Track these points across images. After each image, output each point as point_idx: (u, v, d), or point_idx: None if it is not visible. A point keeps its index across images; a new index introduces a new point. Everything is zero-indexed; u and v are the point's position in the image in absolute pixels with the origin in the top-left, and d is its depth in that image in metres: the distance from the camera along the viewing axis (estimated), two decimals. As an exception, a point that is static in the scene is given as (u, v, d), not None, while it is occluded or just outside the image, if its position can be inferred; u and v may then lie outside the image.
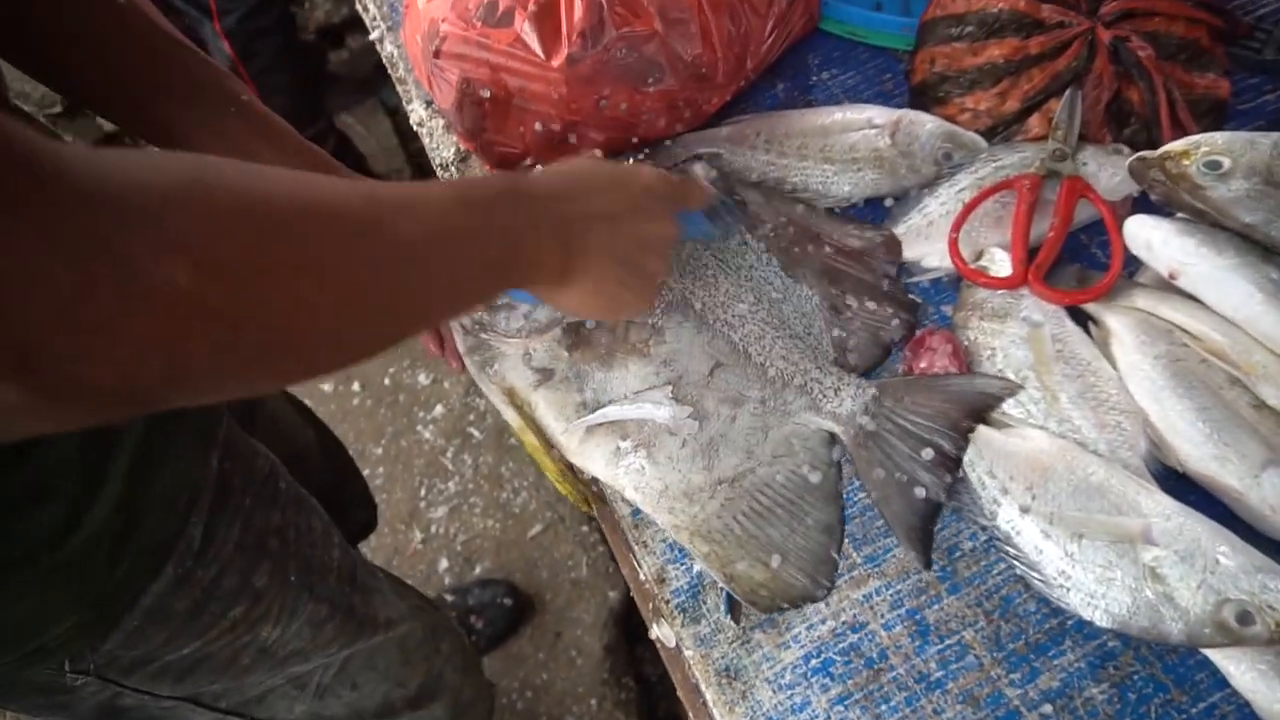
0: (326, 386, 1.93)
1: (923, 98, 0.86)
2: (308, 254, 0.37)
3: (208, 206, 0.33)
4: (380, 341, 0.44)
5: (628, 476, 0.67)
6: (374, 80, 2.20)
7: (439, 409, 1.85)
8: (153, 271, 0.31)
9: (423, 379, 1.90)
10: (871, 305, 0.74)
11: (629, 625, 1.62)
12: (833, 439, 0.69)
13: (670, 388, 0.68)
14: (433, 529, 1.72)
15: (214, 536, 0.65)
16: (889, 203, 0.82)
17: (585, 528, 1.68)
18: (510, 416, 0.71)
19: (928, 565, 0.63)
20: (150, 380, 0.32)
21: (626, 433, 0.68)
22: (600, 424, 0.69)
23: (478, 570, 1.67)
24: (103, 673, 0.63)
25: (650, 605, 0.67)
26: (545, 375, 0.71)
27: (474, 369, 0.73)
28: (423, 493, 1.76)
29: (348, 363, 0.43)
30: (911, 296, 0.75)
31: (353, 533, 1.20)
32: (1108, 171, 0.76)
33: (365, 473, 1.77)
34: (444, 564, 1.68)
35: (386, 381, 1.91)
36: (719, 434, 0.67)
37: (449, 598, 1.58)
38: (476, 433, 1.81)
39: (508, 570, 1.66)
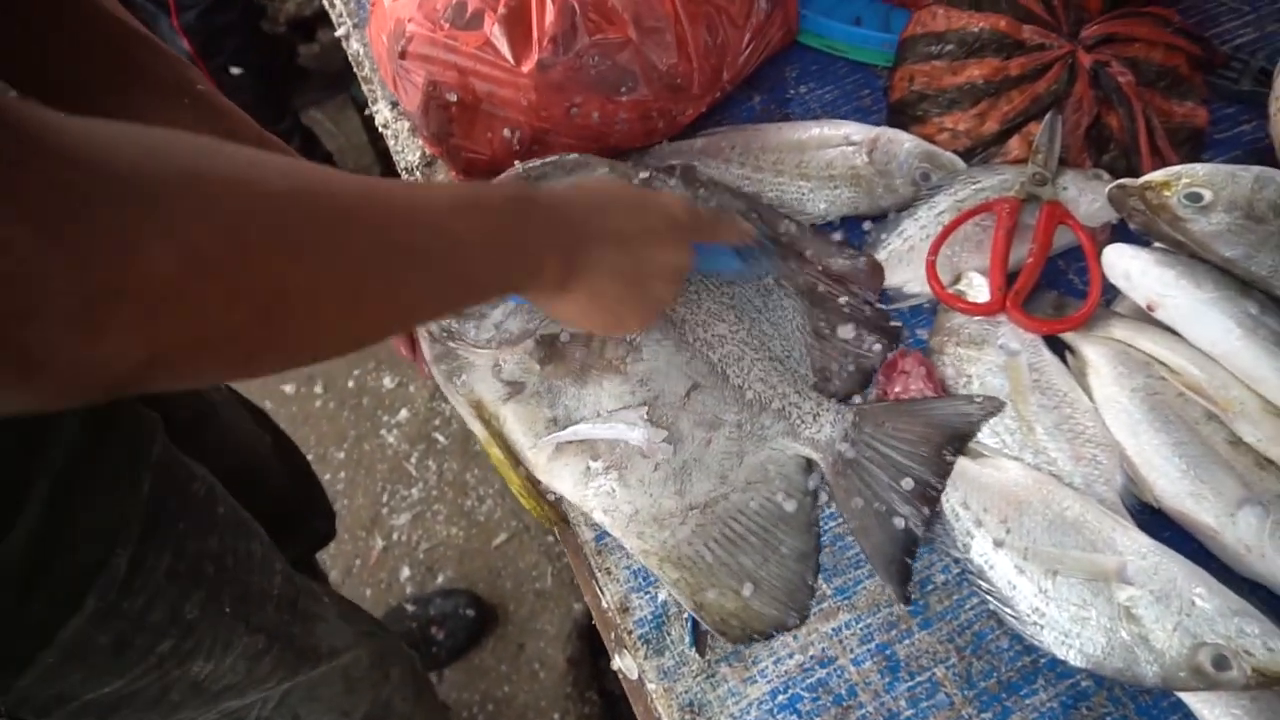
0: (288, 387, 1.88)
1: (901, 115, 0.84)
2: (303, 253, 0.37)
3: (204, 197, 0.33)
4: (367, 338, 0.44)
5: (597, 498, 0.65)
6: (345, 75, 2.14)
7: (404, 413, 1.81)
8: (141, 257, 0.30)
9: (388, 382, 1.85)
10: (854, 331, 0.72)
11: (593, 638, 1.59)
12: (809, 465, 0.67)
13: (645, 408, 0.66)
14: (395, 536, 1.68)
15: (142, 565, 0.61)
16: (867, 225, 0.81)
17: (550, 537, 1.65)
18: (477, 429, 0.68)
19: (906, 600, 0.62)
20: (129, 364, 0.32)
21: (597, 453, 0.66)
22: (570, 442, 0.66)
23: (440, 579, 1.63)
24: (14, 712, 0.59)
25: (613, 635, 0.65)
26: (515, 389, 0.68)
27: (441, 379, 0.70)
28: (385, 499, 1.72)
29: (332, 356, 0.42)
30: (894, 323, 0.74)
31: (311, 543, 1.16)
32: (1088, 197, 0.75)
33: (326, 477, 1.73)
34: (406, 572, 1.64)
35: (350, 384, 1.86)
36: (693, 458, 0.65)
37: (410, 607, 1.54)
38: (442, 438, 1.77)
39: (471, 580, 1.62)
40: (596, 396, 0.67)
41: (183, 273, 0.31)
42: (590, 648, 1.58)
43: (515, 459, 0.67)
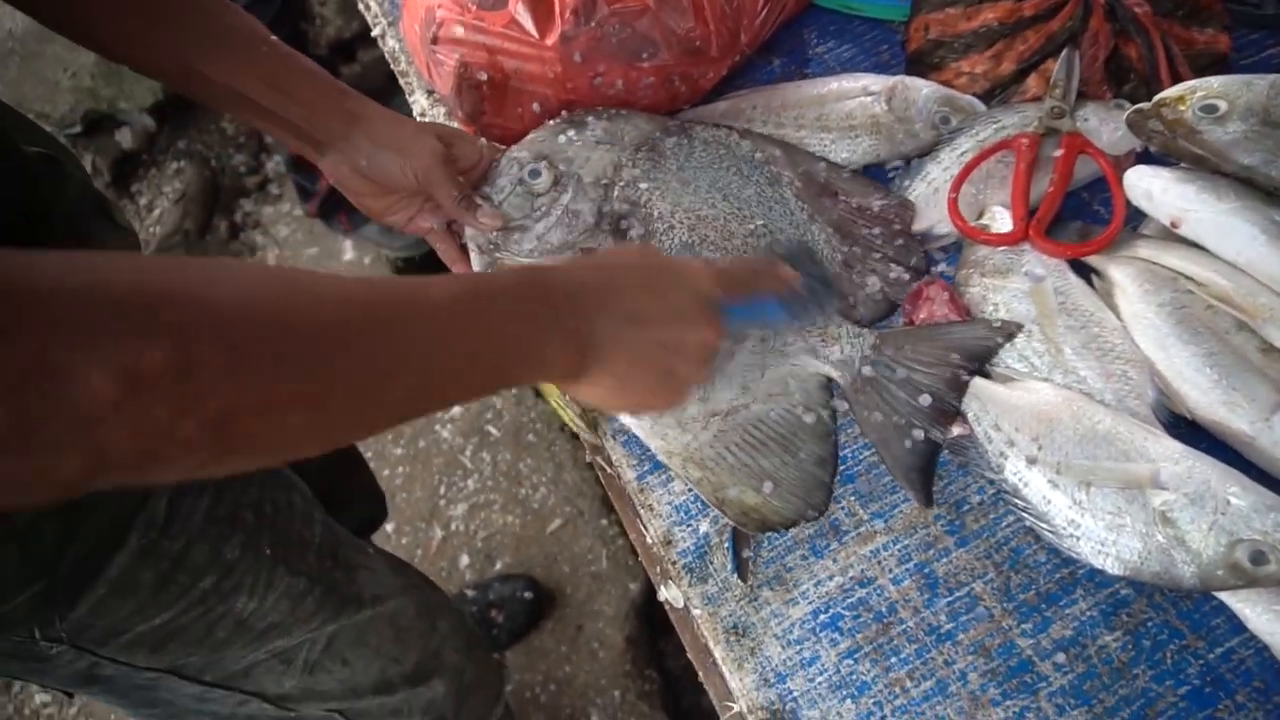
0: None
1: (919, 65, 0.86)
2: (253, 372, 0.36)
3: (145, 317, 0.33)
4: (347, 439, 0.43)
5: None
6: (385, 91, 2.23)
7: (457, 409, 1.86)
8: (72, 383, 0.30)
9: (440, 380, 1.91)
10: (882, 263, 0.74)
11: (651, 618, 1.61)
12: (830, 384, 0.69)
13: None
14: (453, 526, 1.73)
15: (179, 509, 0.65)
16: (891, 172, 0.82)
17: (604, 521, 1.68)
18: None
19: (928, 503, 0.63)
20: (71, 476, 0.32)
21: None
22: None
23: (498, 565, 1.67)
24: (75, 641, 0.63)
25: (658, 568, 0.68)
26: None
27: None
28: (442, 490, 1.77)
29: (312, 453, 0.41)
30: (920, 256, 0.75)
31: (359, 526, 1.20)
32: (1109, 127, 0.76)
33: (385, 473, 1.79)
34: (465, 560, 1.68)
35: (404, 384, 1.92)
36: (716, 367, 0.68)
37: (470, 593, 1.58)
38: (494, 430, 1.82)
39: (528, 565, 1.66)
40: None
41: (122, 395, 0.31)
42: (648, 628, 1.61)
43: None
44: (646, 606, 1.62)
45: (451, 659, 0.95)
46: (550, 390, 0.71)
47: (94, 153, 2.17)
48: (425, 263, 2.01)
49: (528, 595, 1.57)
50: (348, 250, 2.13)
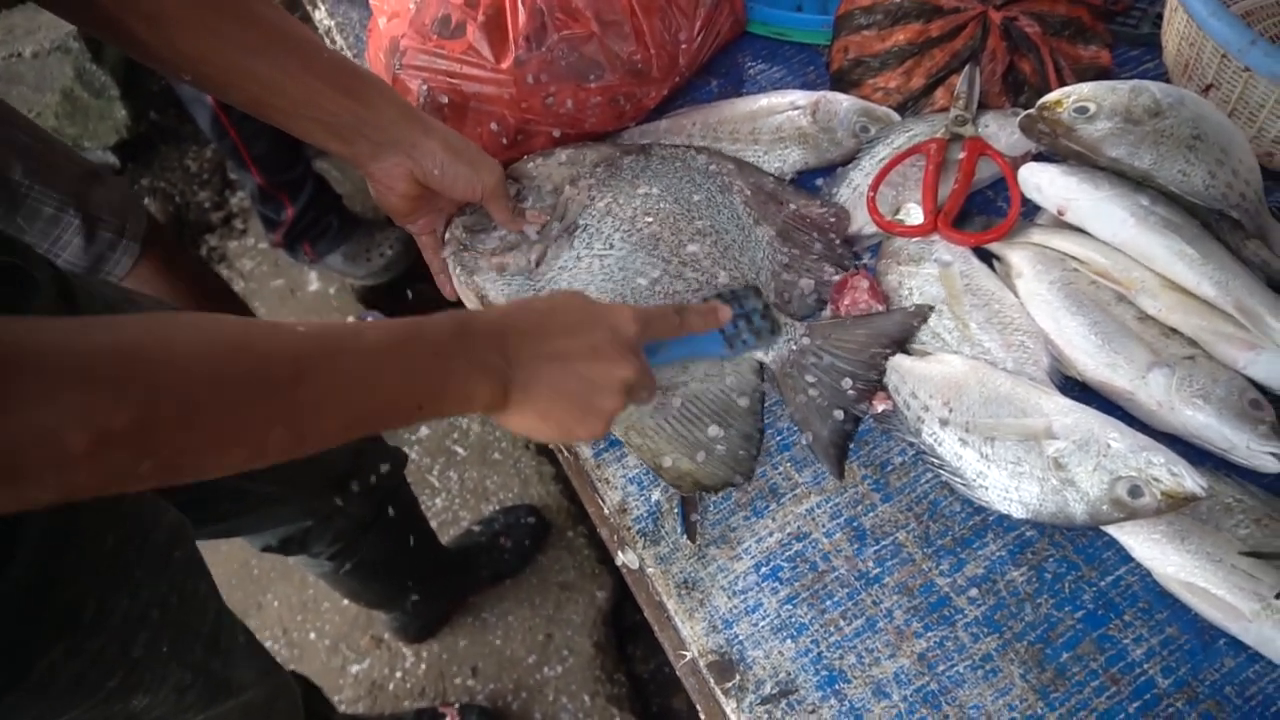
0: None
1: (841, 82, 0.95)
2: (206, 419, 0.43)
3: (114, 382, 0.39)
4: (281, 459, 0.49)
5: None
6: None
7: (423, 430, 1.91)
8: (52, 445, 0.37)
9: (406, 403, 1.95)
10: (816, 264, 0.82)
11: (619, 625, 1.66)
12: (761, 368, 0.77)
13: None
14: (422, 544, 1.76)
15: (103, 608, 0.66)
16: (819, 181, 0.91)
17: (570, 533, 1.73)
18: None
19: (840, 475, 0.72)
20: (36, 502, 0.38)
21: None
22: None
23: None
24: None
25: (615, 536, 0.74)
26: (512, 283, 0.81)
27: (458, 281, 0.83)
28: (411, 510, 1.81)
29: (243, 469, 0.47)
30: (850, 257, 0.84)
31: (386, 481, 1.21)
32: (1007, 132, 0.85)
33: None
34: (435, 576, 1.72)
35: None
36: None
37: (476, 527, 1.69)
38: (460, 450, 1.87)
39: (497, 579, 1.70)
40: (572, 287, 0.79)
41: (93, 448, 0.38)
42: (616, 634, 1.65)
43: None
44: (614, 614, 1.67)
45: None
46: None
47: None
48: (387, 290, 2.07)
49: (530, 520, 1.68)
50: (313, 281, 2.18)
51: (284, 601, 1.75)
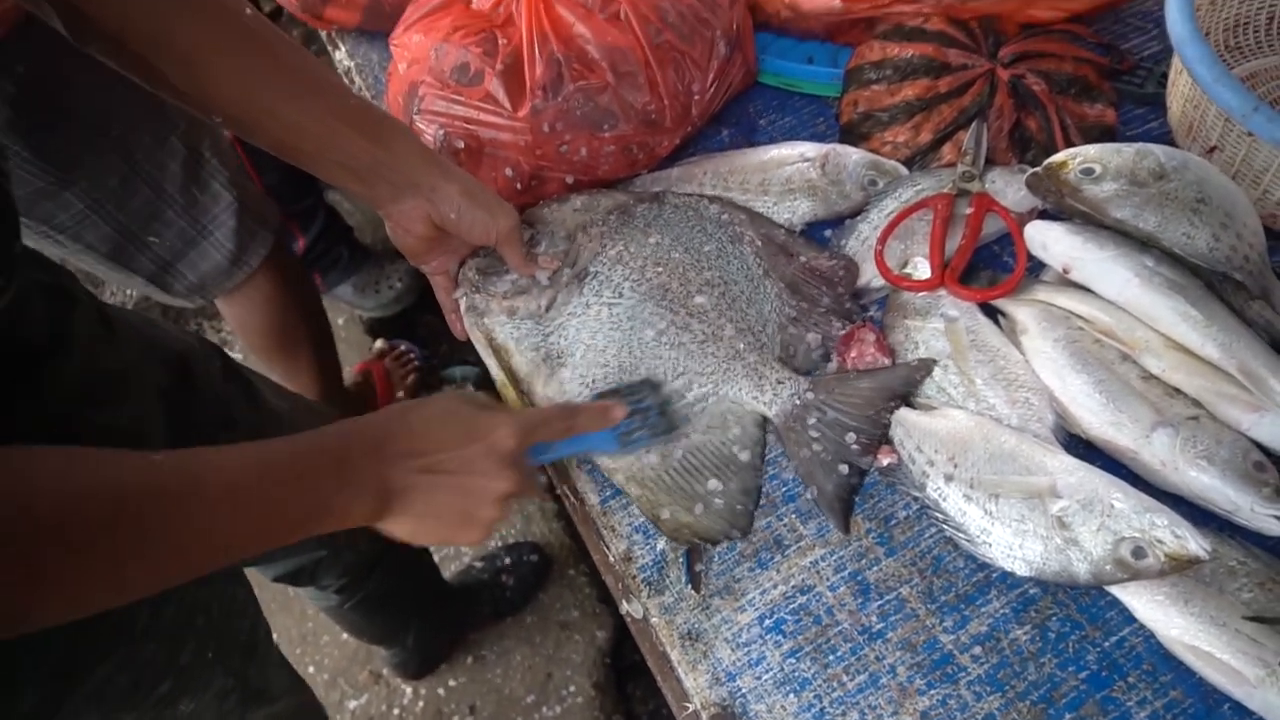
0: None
1: (850, 135, 0.97)
2: (81, 553, 0.45)
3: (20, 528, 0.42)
4: (166, 586, 0.51)
5: None
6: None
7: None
8: None
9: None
10: (824, 317, 0.83)
11: (618, 665, 1.65)
12: (765, 422, 0.77)
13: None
14: (424, 578, 1.76)
15: (156, 615, 0.68)
16: (828, 233, 0.92)
17: (572, 571, 1.73)
18: (491, 363, 0.82)
19: (846, 530, 0.72)
20: None
21: (584, 382, 0.78)
22: (561, 369, 0.79)
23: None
24: None
25: (620, 584, 0.74)
26: (522, 327, 0.82)
27: (468, 323, 0.84)
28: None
29: (135, 598, 0.49)
30: (857, 310, 0.85)
31: None
32: (1013, 188, 0.86)
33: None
34: (435, 611, 1.71)
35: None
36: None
37: (479, 564, 1.68)
38: (464, 484, 1.87)
39: (498, 616, 1.70)
40: (579, 334, 0.80)
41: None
42: (615, 674, 1.64)
43: (518, 384, 0.80)
44: (614, 654, 1.65)
45: None
46: (511, 398, 0.79)
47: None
48: (395, 322, 2.08)
49: (533, 558, 1.67)
50: (322, 311, 2.19)
51: (284, 634, 1.74)
